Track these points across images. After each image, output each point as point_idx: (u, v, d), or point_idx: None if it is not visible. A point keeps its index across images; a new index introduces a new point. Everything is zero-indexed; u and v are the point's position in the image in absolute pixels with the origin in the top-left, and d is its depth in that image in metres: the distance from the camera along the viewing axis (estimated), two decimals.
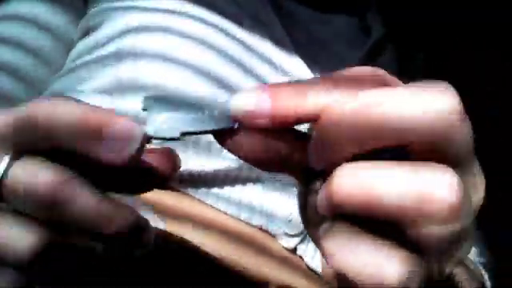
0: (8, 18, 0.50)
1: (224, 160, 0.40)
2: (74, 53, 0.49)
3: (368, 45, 0.51)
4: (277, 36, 0.47)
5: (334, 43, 0.51)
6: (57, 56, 0.50)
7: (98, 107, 0.23)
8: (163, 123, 0.24)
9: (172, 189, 0.40)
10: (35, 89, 0.49)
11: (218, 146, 0.38)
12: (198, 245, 0.38)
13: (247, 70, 0.43)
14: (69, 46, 0.51)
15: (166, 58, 0.41)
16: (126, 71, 0.41)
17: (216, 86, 0.41)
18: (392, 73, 0.52)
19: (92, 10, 0.50)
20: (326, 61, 0.48)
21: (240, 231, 0.40)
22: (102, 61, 0.43)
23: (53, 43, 0.50)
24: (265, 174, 0.41)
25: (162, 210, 0.39)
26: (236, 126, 0.23)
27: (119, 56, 0.42)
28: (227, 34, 0.44)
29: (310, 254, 0.42)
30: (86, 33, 0.49)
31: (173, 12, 0.44)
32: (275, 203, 0.41)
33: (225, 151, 0.38)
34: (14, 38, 0.49)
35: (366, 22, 0.55)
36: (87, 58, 0.45)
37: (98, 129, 0.22)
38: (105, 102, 0.40)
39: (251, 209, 0.41)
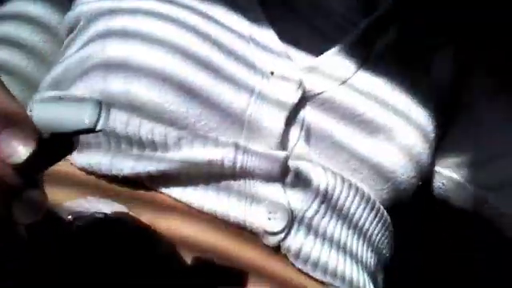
0: (3, 17, 0.50)
1: (192, 159, 0.40)
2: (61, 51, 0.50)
3: (364, 23, 0.48)
4: (247, 7, 0.46)
5: (318, 19, 0.49)
6: (53, 55, 0.50)
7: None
8: (41, 124, 0.25)
9: (147, 189, 0.40)
10: (31, 88, 0.49)
11: (187, 143, 0.39)
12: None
13: (217, 70, 0.42)
14: (59, 39, 0.51)
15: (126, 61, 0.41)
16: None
17: (180, 58, 0.41)
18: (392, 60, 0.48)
19: (66, 18, 0.50)
20: (304, 36, 0.47)
21: (218, 230, 0.40)
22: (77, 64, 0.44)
23: (49, 42, 0.51)
24: (238, 173, 0.40)
25: (139, 211, 0.39)
26: (98, 127, 0.25)
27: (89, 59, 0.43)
28: (190, 6, 0.44)
29: (294, 251, 0.41)
30: (70, 29, 0.49)
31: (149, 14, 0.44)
32: (256, 197, 0.40)
33: (199, 148, 0.39)
34: (9, 37, 0.49)
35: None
36: (70, 52, 0.46)
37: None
38: None
39: (229, 202, 0.40)
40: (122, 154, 0.40)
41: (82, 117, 0.25)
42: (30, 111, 0.25)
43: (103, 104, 0.25)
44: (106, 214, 0.38)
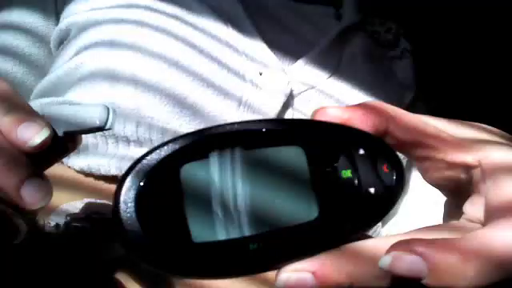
0: (0, 26, 0.51)
1: None
2: (52, 61, 0.50)
3: (336, 30, 0.52)
4: (241, 24, 0.47)
5: (301, 27, 0.52)
6: (46, 63, 0.51)
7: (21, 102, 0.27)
8: (51, 121, 0.28)
9: None
10: (26, 96, 0.49)
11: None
12: None
13: (214, 61, 0.44)
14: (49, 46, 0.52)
15: (127, 47, 0.42)
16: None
17: (180, 73, 0.42)
18: (363, 60, 0.50)
19: (62, 15, 0.50)
20: (290, 43, 0.49)
21: None
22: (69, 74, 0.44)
23: (41, 50, 0.51)
24: None
25: None
26: (108, 125, 0.27)
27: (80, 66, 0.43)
28: (188, 23, 0.45)
29: None
30: (60, 41, 0.50)
31: (134, 6, 0.45)
32: None
33: None
34: (6, 47, 0.50)
35: (340, 10, 0.56)
36: (56, 65, 0.47)
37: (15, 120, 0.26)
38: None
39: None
40: (121, 155, 0.41)
41: (94, 117, 0.28)
42: (46, 110, 0.28)
43: (110, 108, 0.28)
44: (103, 214, 0.38)
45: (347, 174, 0.24)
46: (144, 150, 0.38)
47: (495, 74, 0.79)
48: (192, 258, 0.22)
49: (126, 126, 0.40)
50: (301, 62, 0.48)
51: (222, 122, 0.40)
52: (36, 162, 0.27)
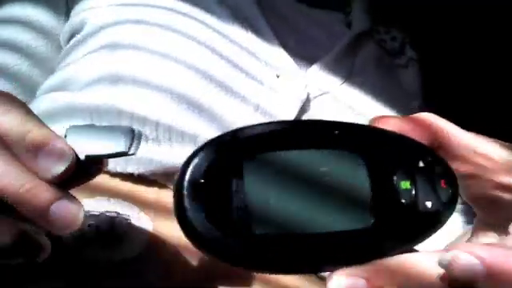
0: (2, 20, 0.50)
1: None
2: (62, 54, 0.50)
3: (349, 36, 0.52)
4: (259, 28, 0.47)
5: (313, 32, 0.52)
6: (52, 58, 0.51)
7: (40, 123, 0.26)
8: (75, 147, 0.27)
9: (159, 185, 0.40)
10: (30, 92, 0.49)
11: (203, 139, 0.38)
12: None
13: (232, 64, 0.43)
14: (57, 43, 0.52)
15: (148, 51, 0.42)
16: (109, 65, 0.42)
17: (198, 78, 0.41)
18: (374, 68, 0.51)
19: (75, 10, 0.50)
20: (304, 48, 0.49)
21: None
22: (89, 58, 0.44)
23: (48, 45, 0.51)
24: None
25: (150, 210, 0.39)
26: (132, 151, 0.27)
27: (107, 48, 0.43)
28: (212, 28, 0.44)
29: None
30: (72, 35, 0.50)
31: (155, 6, 0.44)
32: None
33: None
34: (8, 41, 0.49)
35: (349, 17, 0.56)
36: (73, 57, 0.46)
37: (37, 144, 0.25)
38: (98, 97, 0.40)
39: None
40: (138, 153, 0.40)
41: (119, 142, 0.27)
42: (65, 135, 0.28)
43: (136, 131, 0.28)
44: (117, 213, 0.38)
45: (406, 185, 0.24)
46: (162, 150, 0.39)
47: (501, 81, 0.80)
48: (250, 249, 0.23)
49: (146, 125, 0.40)
50: (315, 67, 0.48)
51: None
52: (58, 185, 0.26)
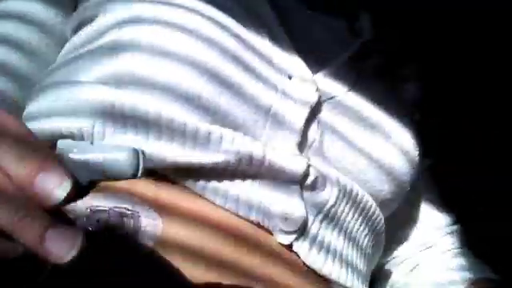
0: (0, 16, 0.49)
1: (222, 154, 0.40)
2: (67, 46, 0.49)
3: (357, 44, 0.52)
4: (273, 30, 0.47)
5: (321, 37, 0.52)
6: (48, 52, 0.50)
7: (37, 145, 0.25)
8: (74, 169, 0.25)
9: (170, 182, 0.40)
10: (25, 85, 0.48)
11: (216, 138, 0.39)
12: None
13: (245, 66, 0.43)
14: (61, 41, 0.50)
15: (163, 51, 0.41)
16: (123, 63, 0.41)
17: (212, 79, 0.41)
18: (378, 76, 0.52)
19: (85, 4, 0.49)
20: (313, 52, 0.48)
21: (236, 227, 0.41)
22: (99, 52, 0.43)
23: (44, 39, 0.50)
24: (263, 170, 0.41)
25: (159, 206, 0.39)
26: (139, 175, 0.26)
27: (116, 48, 0.42)
28: (226, 29, 0.44)
29: (305, 251, 0.43)
30: (79, 27, 0.48)
31: (170, 4, 0.44)
32: (272, 200, 0.42)
33: (224, 144, 0.39)
34: (7, 37, 0.48)
35: (355, 24, 0.56)
36: (82, 50, 0.45)
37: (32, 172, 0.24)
38: (105, 92, 0.40)
39: (249, 204, 0.41)
40: (150, 148, 0.40)
41: (124, 166, 0.26)
42: (67, 157, 0.26)
43: (140, 152, 0.27)
44: (126, 208, 0.38)
45: None
46: (174, 147, 0.39)
47: (499, 88, 0.81)
48: None
49: (161, 123, 0.40)
50: (323, 72, 0.48)
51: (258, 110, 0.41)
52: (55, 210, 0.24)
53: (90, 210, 0.38)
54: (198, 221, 0.40)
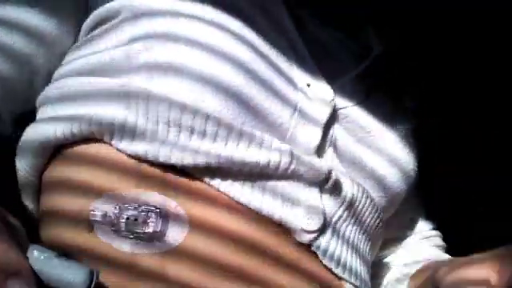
0: None
1: (262, 155, 0.42)
2: (80, 43, 0.48)
3: (370, 59, 0.54)
4: (293, 40, 0.49)
5: (339, 55, 0.54)
6: (45, 63, 0.49)
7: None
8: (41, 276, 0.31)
9: (197, 180, 0.41)
10: (16, 99, 0.48)
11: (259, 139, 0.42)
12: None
13: (271, 63, 0.45)
14: (60, 52, 0.50)
15: (179, 69, 0.42)
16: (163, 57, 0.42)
17: (244, 73, 0.43)
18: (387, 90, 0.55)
19: (100, 10, 0.48)
20: (332, 71, 0.50)
21: (259, 239, 0.42)
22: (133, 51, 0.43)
23: (41, 49, 0.48)
24: (289, 173, 0.43)
25: (184, 200, 0.40)
26: None
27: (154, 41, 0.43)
28: (250, 29, 0.45)
29: (322, 249, 0.44)
30: (98, 25, 0.48)
31: (198, 19, 0.44)
32: (295, 200, 0.43)
33: (255, 148, 0.41)
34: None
35: (364, 38, 0.58)
36: (99, 46, 0.46)
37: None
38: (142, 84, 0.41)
39: (273, 204, 0.42)
40: (182, 145, 0.41)
41: (78, 282, 0.31)
42: (33, 263, 0.31)
43: (95, 273, 0.32)
44: (154, 206, 0.39)
45: None
46: (206, 144, 0.40)
47: (499, 88, 0.81)
48: None
49: (196, 117, 0.41)
50: (337, 84, 0.49)
51: (277, 127, 0.43)
52: None
53: (119, 206, 0.39)
54: (220, 232, 0.40)
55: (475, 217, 0.76)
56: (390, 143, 0.52)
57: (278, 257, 0.42)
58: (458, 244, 0.60)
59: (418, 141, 0.56)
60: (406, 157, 0.52)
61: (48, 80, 0.49)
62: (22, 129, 0.46)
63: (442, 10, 0.76)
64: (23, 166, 0.46)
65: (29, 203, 0.48)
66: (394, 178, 0.51)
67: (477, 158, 0.81)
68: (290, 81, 0.46)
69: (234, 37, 0.44)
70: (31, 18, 0.47)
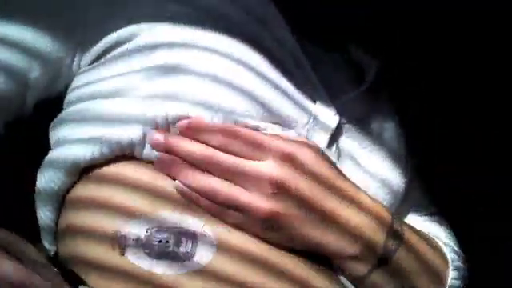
0: None
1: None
2: (89, 67, 0.49)
3: (370, 80, 0.55)
4: (300, 59, 0.50)
5: (339, 80, 0.55)
6: (39, 77, 0.48)
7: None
8: None
9: None
10: (11, 107, 0.48)
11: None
12: None
13: (286, 71, 0.48)
14: (55, 67, 0.49)
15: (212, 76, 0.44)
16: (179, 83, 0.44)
17: (264, 81, 0.46)
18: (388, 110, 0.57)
19: (113, 35, 0.47)
20: (328, 83, 0.52)
21: (283, 264, 0.41)
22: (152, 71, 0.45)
23: (35, 64, 0.48)
24: None
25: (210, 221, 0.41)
26: None
27: (164, 69, 0.44)
28: (259, 51, 0.47)
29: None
30: (109, 50, 0.48)
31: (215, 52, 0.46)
32: None
33: None
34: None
35: (355, 60, 0.59)
36: (112, 71, 0.46)
37: None
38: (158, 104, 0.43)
39: None
40: None
41: None
42: None
43: None
44: (183, 228, 0.40)
45: None
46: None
47: (499, 88, 0.81)
48: None
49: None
50: (337, 103, 0.51)
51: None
52: None
53: (151, 229, 0.40)
54: (245, 255, 0.41)
55: (475, 217, 0.76)
56: (379, 162, 0.52)
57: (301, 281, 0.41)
58: (458, 244, 0.60)
59: (418, 141, 0.56)
60: (394, 177, 0.53)
61: (42, 93, 0.49)
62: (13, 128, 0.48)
63: (442, 10, 0.76)
64: (49, 180, 0.45)
65: (44, 213, 0.47)
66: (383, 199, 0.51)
67: (477, 157, 0.81)
68: (303, 89, 0.48)
69: (248, 68, 0.46)
70: (26, 33, 0.47)
